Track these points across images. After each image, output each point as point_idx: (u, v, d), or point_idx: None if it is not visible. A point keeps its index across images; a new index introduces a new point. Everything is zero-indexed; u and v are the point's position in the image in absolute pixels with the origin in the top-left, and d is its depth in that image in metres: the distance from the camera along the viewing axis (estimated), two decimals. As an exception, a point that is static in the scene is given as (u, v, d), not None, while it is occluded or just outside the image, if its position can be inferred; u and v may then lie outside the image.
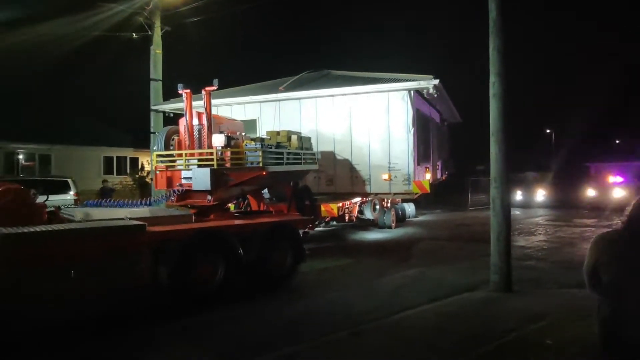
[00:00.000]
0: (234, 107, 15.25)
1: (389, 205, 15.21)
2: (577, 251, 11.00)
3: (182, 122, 9.01)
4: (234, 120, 10.59)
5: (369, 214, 14.86)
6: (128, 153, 25.96)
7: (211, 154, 8.33)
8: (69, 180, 15.52)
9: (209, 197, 8.26)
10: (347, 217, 13.60)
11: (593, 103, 34.92)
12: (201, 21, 17.93)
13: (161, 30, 17.78)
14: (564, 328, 5.45)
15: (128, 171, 25.46)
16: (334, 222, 14.61)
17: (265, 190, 11.15)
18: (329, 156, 14.03)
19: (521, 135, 33.00)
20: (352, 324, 5.79)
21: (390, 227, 14.96)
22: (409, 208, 18.09)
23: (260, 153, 8.57)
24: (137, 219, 6.57)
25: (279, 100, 14.66)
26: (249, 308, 6.76)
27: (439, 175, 19.02)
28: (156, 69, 17.69)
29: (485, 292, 7.08)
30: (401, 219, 16.73)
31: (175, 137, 9.26)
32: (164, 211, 7.73)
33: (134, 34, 17.73)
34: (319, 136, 14.03)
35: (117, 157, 26.14)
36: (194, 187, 8.32)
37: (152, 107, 17.38)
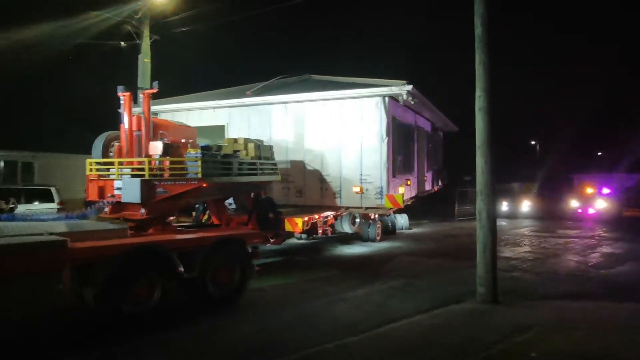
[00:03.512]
0: (204, 112, 14.45)
1: (375, 217, 14.19)
2: (561, 262, 11.15)
3: (123, 128, 8.45)
4: (186, 126, 9.89)
5: (347, 228, 13.48)
6: (114, 161, 25.56)
7: (143, 162, 7.75)
8: (52, 189, 15.28)
9: (142, 210, 7.72)
10: (320, 231, 12.39)
11: (577, 116, 35.74)
12: (190, 29, 17.96)
13: (150, 39, 17.75)
14: (549, 340, 5.51)
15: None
16: (315, 235, 13.43)
17: (231, 200, 10.58)
18: (299, 166, 13.15)
19: (507, 146, 33.42)
20: (339, 336, 5.76)
21: (374, 241, 13.89)
22: (402, 220, 16.95)
23: (199, 163, 7.86)
24: (58, 234, 5.98)
25: (248, 105, 13.86)
26: (225, 323, 6.56)
27: (428, 187, 18.58)
28: (144, 78, 17.57)
29: (472, 303, 7.11)
30: (391, 232, 15.73)
31: (116, 144, 8.58)
32: (94, 225, 7.16)
33: (122, 43, 17.66)
34: (289, 144, 13.26)
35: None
36: (123, 199, 7.71)
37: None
